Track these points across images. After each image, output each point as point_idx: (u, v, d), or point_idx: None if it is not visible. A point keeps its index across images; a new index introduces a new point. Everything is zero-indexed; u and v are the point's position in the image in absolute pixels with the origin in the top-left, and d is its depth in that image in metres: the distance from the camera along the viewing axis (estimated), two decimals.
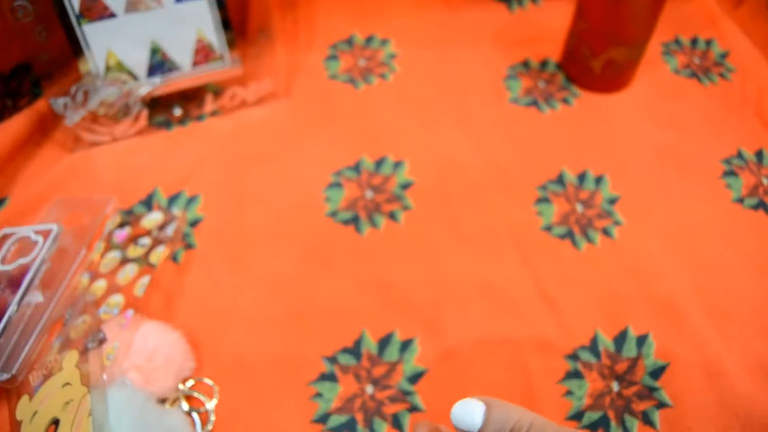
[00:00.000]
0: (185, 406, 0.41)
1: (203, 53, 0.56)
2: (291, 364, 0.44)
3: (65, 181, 0.54)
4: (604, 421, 0.41)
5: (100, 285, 0.45)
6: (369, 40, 0.67)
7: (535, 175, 0.55)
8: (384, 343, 0.45)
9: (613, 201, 0.54)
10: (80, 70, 0.54)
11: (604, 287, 0.48)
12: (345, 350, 0.44)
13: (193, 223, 0.51)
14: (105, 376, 0.39)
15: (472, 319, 0.46)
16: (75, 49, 0.53)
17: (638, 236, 0.51)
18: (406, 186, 0.54)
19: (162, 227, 0.49)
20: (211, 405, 0.41)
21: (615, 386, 0.43)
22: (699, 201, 0.54)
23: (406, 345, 0.45)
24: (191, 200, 0.53)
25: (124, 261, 0.47)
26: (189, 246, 0.50)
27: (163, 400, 0.41)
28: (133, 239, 0.49)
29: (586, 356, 0.44)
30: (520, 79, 0.64)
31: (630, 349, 0.45)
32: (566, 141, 0.58)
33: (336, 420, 0.41)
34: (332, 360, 0.44)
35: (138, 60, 0.55)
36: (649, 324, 0.46)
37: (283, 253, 0.50)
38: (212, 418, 0.41)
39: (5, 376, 0.39)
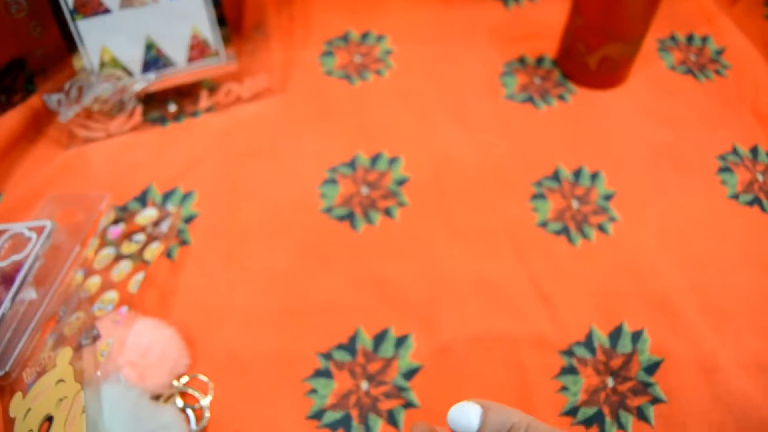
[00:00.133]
0: (180, 402, 0.41)
1: (198, 49, 0.56)
2: (286, 361, 0.44)
3: (59, 177, 0.54)
4: (598, 416, 0.41)
5: (94, 281, 0.45)
6: (365, 36, 0.67)
7: (531, 171, 0.55)
8: (379, 339, 0.45)
9: (608, 197, 0.54)
10: (74, 66, 0.54)
11: (600, 283, 0.48)
12: (340, 346, 0.44)
13: (188, 220, 0.51)
14: (99, 373, 0.38)
15: (467, 315, 0.46)
16: (69, 44, 0.53)
17: (633, 232, 0.51)
18: (401, 182, 0.54)
19: (156, 224, 0.49)
20: (205, 401, 0.41)
21: (610, 382, 0.43)
22: (694, 197, 0.54)
23: (401, 341, 0.45)
24: (186, 196, 0.53)
25: (119, 257, 0.47)
26: (184, 242, 0.50)
27: (157, 397, 0.41)
28: (128, 236, 0.48)
29: (581, 352, 0.44)
30: (516, 75, 0.64)
31: (625, 345, 0.45)
32: (562, 137, 0.58)
33: (331, 416, 0.41)
34: (327, 356, 0.44)
35: (133, 56, 0.55)
36: (644, 320, 0.46)
37: (278, 250, 0.50)
38: (207, 414, 0.41)
39: None
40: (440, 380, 0.43)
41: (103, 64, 0.54)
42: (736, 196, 0.54)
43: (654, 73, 0.65)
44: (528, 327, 0.46)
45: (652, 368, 0.44)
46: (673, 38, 0.69)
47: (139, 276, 0.46)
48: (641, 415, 0.41)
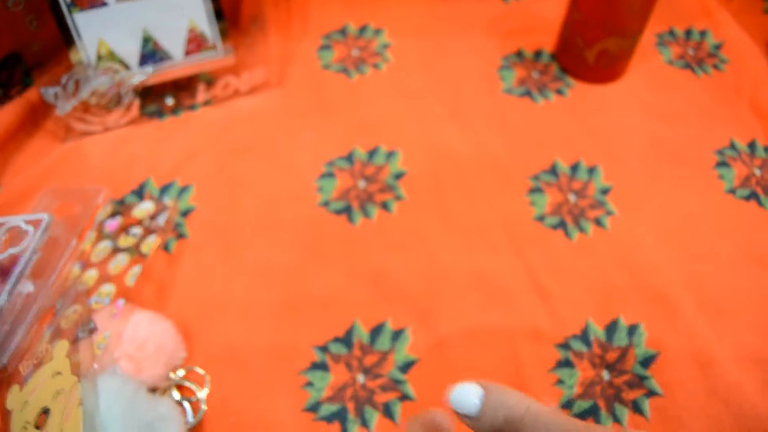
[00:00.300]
0: (176, 395, 0.41)
1: (195, 42, 0.56)
2: (282, 354, 0.44)
3: (56, 170, 0.54)
4: (594, 409, 0.41)
5: (91, 275, 0.45)
6: (362, 30, 0.67)
7: (528, 165, 0.55)
8: (376, 332, 0.45)
9: (605, 191, 0.54)
10: (71, 60, 0.54)
11: (596, 277, 0.48)
12: (336, 339, 0.44)
13: (185, 213, 0.51)
14: (96, 366, 0.38)
15: (464, 309, 0.46)
16: (66, 38, 0.53)
17: (630, 226, 0.51)
18: (398, 176, 0.54)
19: (153, 217, 0.49)
20: (202, 394, 0.41)
21: (605, 375, 0.43)
22: (691, 191, 0.54)
23: (397, 334, 0.45)
24: (183, 190, 0.53)
25: (116, 251, 0.47)
26: (181, 236, 0.50)
27: (154, 389, 0.41)
28: (125, 229, 0.48)
29: (577, 345, 0.44)
30: (514, 69, 0.64)
31: (621, 339, 0.45)
32: (559, 131, 0.58)
33: (327, 409, 0.41)
34: (324, 349, 0.44)
35: (130, 49, 0.55)
36: (640, 314, 0.46)
37: (275, 243, 0.50)
38: (203, 407, 0.41)
39: None
40: (436, 373, 0.43)
41: (100, 58, 0.54)
42: (733, 191, 0.54)
43: (652, 67, 0.65)
44: (524, 320, 0.46)
45: (647, 362, 0.44)
46: (671, 32, 0.69)
47: (136, 269, 0.46)
48: (637, 408, 0.42)
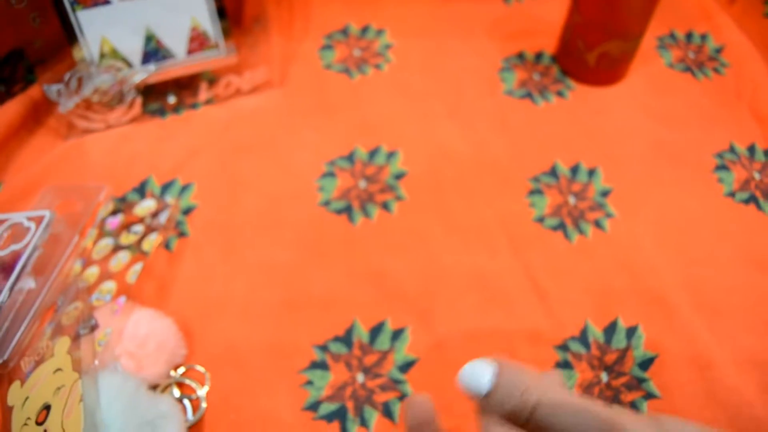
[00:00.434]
0: (177, 392, 0.41)
1: (198, 41, 0.56)
2: (282, 352, 0.44)
3: (58, 167, 0.54)
4: None
5: (93, 272, 0.45)
6: (364, 30, 0.67)
7: (528, 166, 0.56)
8: (375, 332, 0.45)
9: (605, 193, 0.54)
10: (74, 57, 0.54)
11: (595, 279, 0.48)
12: (336, 339, 0.45)
13: (186, 211, 0.51)
14: (96, 362, 0.39)
15: (463, 309, 0.46)
16: (69, 35, 0.53)
17: (630, 229, 0.52)
18: (399, 176, 0.54)
19: (155, 215, 0.50)
20: (202, 392, 0.42)
21: (604, 377, 0.43)
22: (691, 195, 0.54)
23: (397, 334, 0.45)
24: (184, 188, 0.53)
25: (117, 248, 0.47)
26: (182, 234, 0.50)
27: (154, 387, 0.41)
28: (126, 226, 0.49)
29: (575, 347, 0.45)
30: (515, 71, 0.64)
31: (619, 341, 0.45)
32: (560, 133, 0.58)
33: (327, 408, 0.41)
34: (323, 348, 0.44)
35: (132, 47, 0.55)
36: (638, 316, 0.46)
37: (276, 242, 0.50)
38: (203, 405, 0.41)
39: None
40: (436, 373, 0.43)
41: (102, 55, 0.54)
42: (732, 194, 0.54)
43: (653, 70, 0.65)
44: (523, 321, 0.46)
45: (646, 364, 0.44)
46: (672, 36, 0.69)
47: (138, 267, 0.46)
48: (635, 410, 0.42)
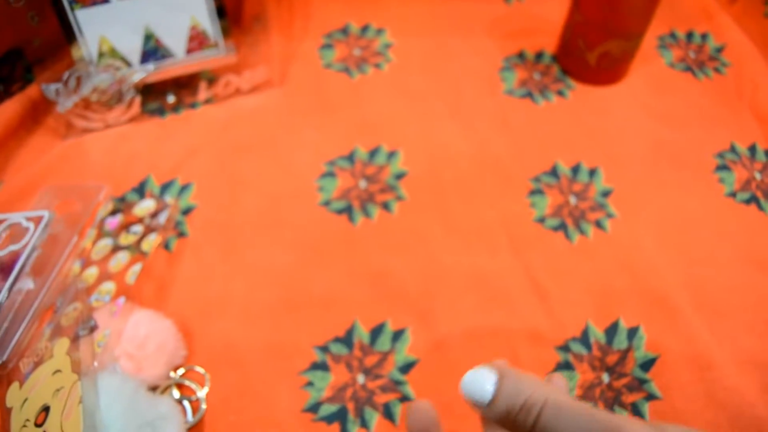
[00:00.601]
0: (176, 393, 0.41)
1: (197, 40, 0.56)
2: (282, 353, 0.44)
3: (57, 167, 0.54)
4: None
5: (92, 272, 0.45)
6: (364, 29, 0.67)
7: (529, 166, 0.55)
8: (376, 332, 0.45)
9: (606, 194, 0.54)
10: (73, 56, 0.54)
11: (596, 279, 0.48)
12: (337, 339, 0.44)
13: (186, 211, 0.51)
14: (96, 364, 0.38)
15: (463, 310, 0.46)
16: (68, 34, 0.52)
17: (631, 229, 0.51)
18: (399, 176, 0.54)
19: (154, 215, 0.49)
20: (202, 393, 0.41)
21: (605, 378, 0.43)
22: (692, 195, 0.54)
23: (398, 335, 0.45)
24: (184, 188, 0.53)
25: (116, 248, 0.47)
26: (181, 234, 0.50)
27: (154, 388, 0.41)
28: (125, 227, 0.48)
29: (577, 348, 0.45)
30: (516, 70, 0.64)
31: (621, 341, 0.45)
32: (560, 133, 0.58)
33: (327, 409, 0.41)
34: (324, 349, 0.44)
35: (131, 46, 0.55)
36: (640, 317, 0.46)
37: (276, 242, 0.50)
38: (203, 406, 0.41)
39: None
40: (436, 374, 0.43)
41: (101, 55, 0.54)
42: (733, 194, 0.54)
43: (653, 70, 0.65)
44: (524, 322, 0.46)
45: (647, 365, 0.44)
46: (672, 35, 0.69)
47: (137, 267, 0.46)
48: (636, 411, 0.42)
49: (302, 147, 0.56)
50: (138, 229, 0.48)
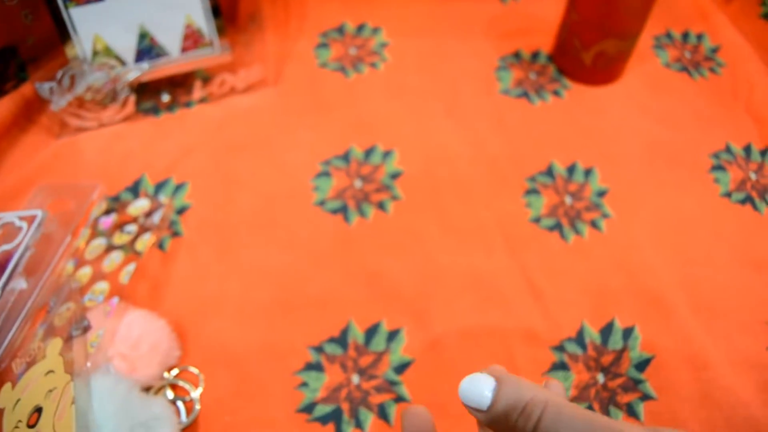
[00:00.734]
0: (170, 394, 0.41)
1: (192, 39, 0.56)
2: (277, 354, 0.44)
3: (51, 166, 0.53)
4: None
5: (85, 272, 0.45)
6: (360, 28, 0.67)
7: (525, 166, 0.55)
8: (371, 332, 0.45)
9: (602, 194, 0.54)
10: (67, 55, 0.53)
11: (592, 279, 0.48)
12: (331, 340, 0.44)
13: (180, 211, 0.51)
14: (89, 364, 0.38)
15: (459, 310, 0.46)
16: (62, 33, 0.52)
17: (626, 229, 0.51)
18: (395, 176, 0.54)
19: (148, 214, 0.49)
20: (196, 394, 0.41)
21: (600, 378, 0.43)
22: (687, 195, 0.54)
23: (393, 335, 0.45)
24: (178, 187, 0.52)
25: (110, 248, 0.47)
26: (176, 234, 0.50)
27: (147, 389, 0.41)
28: (119, 226, 0.48)
29: (572, 348, 0.44)
30: (511, 70, 0.64)
31: (616, 342, 0.45)
32: (556, 133, 0.58)
33: (321, 409, 0.41)
34: (318, 349, 0.44)
35: (126, 45, 0.54)
36: (635, 317, 0.46)
37: (271, 242, 0.49)
38: (197, 406, 0.41)
39: None
40: (431, 375, 0.43)
41: (96, 53, 0.54)
42: (728, 194, 0.54)
43: (649, 70, 0.65)
44: (519, 322, 0.46)
45: (642, 365, 0.44)
46: (668, 35, 0.69)
47: (131, 267, 0.45)
48: (631, 411, 0.42)
49: (297, 146, 0.56)
50: (132, 228, 0.48)
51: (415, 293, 0.47)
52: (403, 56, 0.64)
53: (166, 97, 0.58)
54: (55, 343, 0.39)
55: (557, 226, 0.51)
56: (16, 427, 0.35)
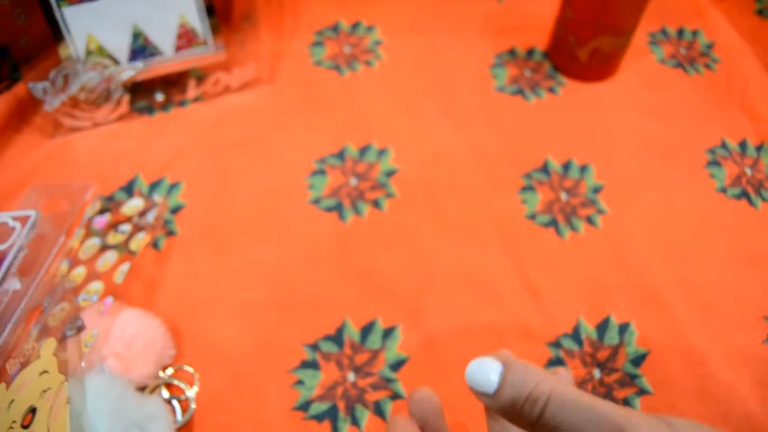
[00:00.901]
0: (165, 393, 0.41)
1: (186, 38, 0.56)
2: (272, 352, 0.43)
3: (44, 166, 0.53)
4: None
5: (80, 272, 0.45)
6: (355, 26, 0.67)
7: (520, 163, 0.55)
8: (366, 330, 0.45)
9: (597, 190, 0.54)
10: (60, 55, 0.53)
11: (588, 276, 0.48)
12: (327, 338, 0.44)
13: (175, 210, 0.51)
14: (83, 364, 0.38)
15: (454, 307, 0.46)
16: (55, 32, 0.52)
17: (622, 225, 0.51)
18: (390, 174, 0.54)
19: (143, 214, 0.49)
20: (191, 393, 0.41)
21: (597, 373, 0.43)
22: (683, 190, 0.54)
23: (388, 332, 0.45)
24: (173, 187, 0.52)
25: (104, 248, 0.46)
26: (170, 233, 0.49)
27: (142, 388, 0.41)
28: (113, 226, 0.48)
29: (568, 344, 0.44)
30: (506, 67, 0.63)
31: (612, 337, 0.45)
32: (551, 130, 0.58)
33: (317, 407, 0.41)
34: (314, 347, 0.44)
35: (119, 44, 0.54)
36: (631, 312, 0.46)
37: (266, 241, 0.49)
38: (192, 405, 0.41)
39: None
40: (427, 372, 0.43)
41: (89, 53, 0.54)
42: (724, 190, 0.54)
43: (644, 66, 0.65)
44: (515, 319, 0.46)
45: (638, 360, 0.44)
46: (663, 32, 0.69)
47: (125, 266, 0.45)
48: (628, 406, 0.42)
49: (292, 145, 0.56)
50: (126, 228, 0.48)
51: (411, 291, 0.47)
52: (397, 54, 0.64)
53: (160, 97, 0.58)
54: (49, 344, 0.38)
55: (553, 223, 0.51)
56: (11, 427, 0.35)
